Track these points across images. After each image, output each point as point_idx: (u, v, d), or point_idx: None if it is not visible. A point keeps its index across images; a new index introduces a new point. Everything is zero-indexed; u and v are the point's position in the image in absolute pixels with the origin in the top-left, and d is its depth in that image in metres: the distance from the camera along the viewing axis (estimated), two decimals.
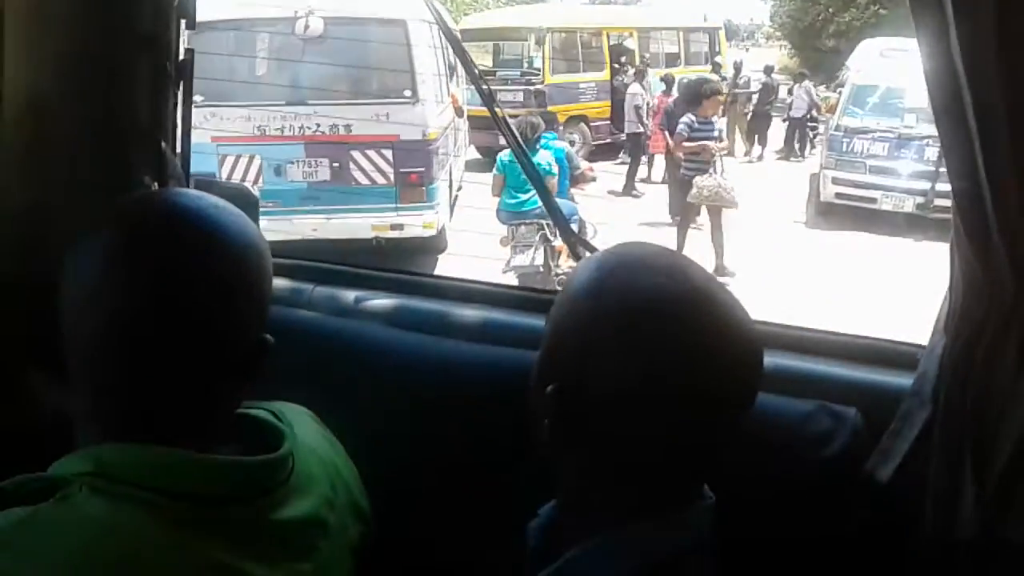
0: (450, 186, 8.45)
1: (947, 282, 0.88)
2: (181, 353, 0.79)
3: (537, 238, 6.16)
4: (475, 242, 6.83)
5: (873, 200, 8.99)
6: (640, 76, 12.29)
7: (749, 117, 14.54)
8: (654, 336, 0.75)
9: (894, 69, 9.66)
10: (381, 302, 1.47)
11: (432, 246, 7.55)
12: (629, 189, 11.46)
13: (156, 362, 0.78)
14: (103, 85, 1.15)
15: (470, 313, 1.42)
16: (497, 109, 1.73)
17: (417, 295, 1.51)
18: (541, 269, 6.17)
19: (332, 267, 1.62)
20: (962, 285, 0.83)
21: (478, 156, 12.02)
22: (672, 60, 15.64)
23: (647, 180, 11.88)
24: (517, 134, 1.73)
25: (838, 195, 9.49)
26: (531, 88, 12.82)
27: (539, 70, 13.21)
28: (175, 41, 1.22)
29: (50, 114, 1.12)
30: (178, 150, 1.30)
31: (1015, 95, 0.67)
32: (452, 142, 8.91)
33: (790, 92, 14.63)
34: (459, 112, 9.36)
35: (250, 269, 0.83)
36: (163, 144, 1.22)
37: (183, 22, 1.22)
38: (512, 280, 5.76)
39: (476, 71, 1.90)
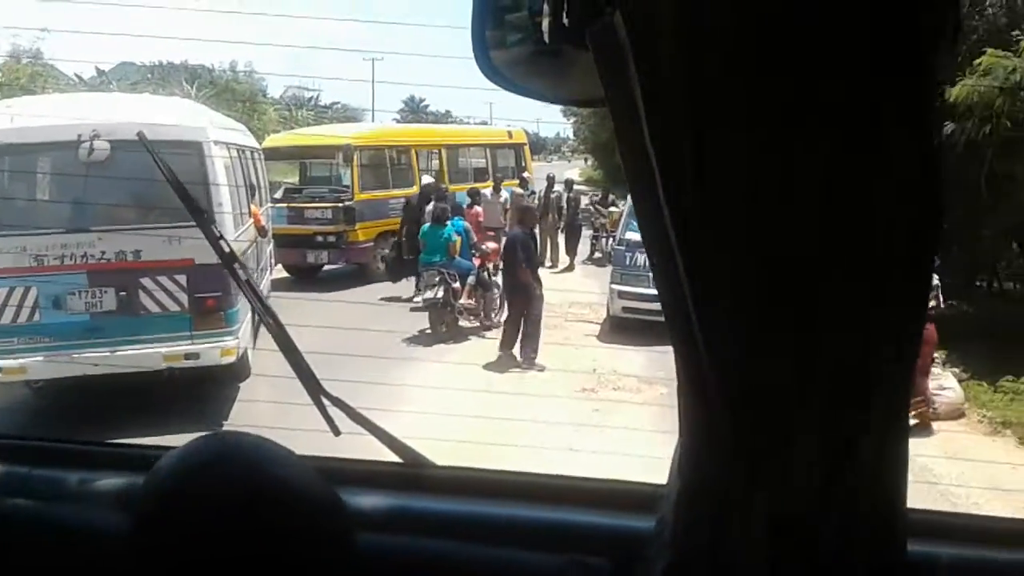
0: (253, 308, 8.11)
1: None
2: None
3: (437, 280, 9.33)
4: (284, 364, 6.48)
5: (659, 312, 9.17)
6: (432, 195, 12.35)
7: (561, 228, 15.16)
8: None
9: None
10: (111, 482, 1.31)
11: (233, 374, 7.17)
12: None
13: None
14: None
15: None
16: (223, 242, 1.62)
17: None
18: (440, 301, 9.29)
19: (52, 445, 1.46)
20: (684, 422, 0.79)
21: (286, 275, 11.73)
22: (480, 175, 16.15)
23: None
24: (258, 292, 1.65)
25: (625, 309, 9.41)
26: (340, 205, 12.82)
27: (348, 187, 13.22)
28: None
29: None
30: None
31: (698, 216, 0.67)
32: (255, 262, 8.64)
33: (596, 202, 15.43)
34: (262, 232, 9.14)
35: None
36: None
37: None
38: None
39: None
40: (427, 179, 12.79)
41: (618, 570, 1.05)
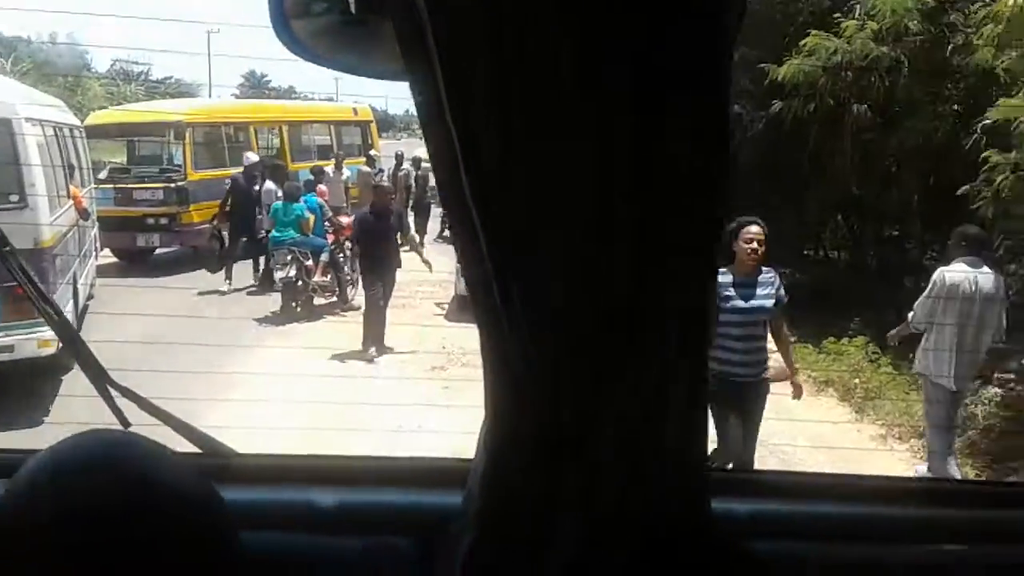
0: (75, 296, 7.57)
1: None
2: None
3: (290, 258, 9.17)
4: (118, 351, 6.18)
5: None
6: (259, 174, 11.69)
7: (411, 207, 14.93)
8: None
9: None
10: None
11: (52, 366, 6.63)
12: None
13: None
14: None
15: None
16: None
17: None
18: (296, 281, 9.21)
19: None
20: (489, 398, 0.80)
21: (115, 260, 11.02)
22: (324, 152, 15.70)
23: None
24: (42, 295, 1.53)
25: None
26: (172, 185, 12.15)
27: (180, 166, 12.54)
28: None
29: None
30: None
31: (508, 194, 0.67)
32: (77, 247, 8.04)
33: None
34: (84, 214, 8.52)
35: None
36: None
37: None
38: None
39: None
40: (251, 156, 11.75)
41: (422, 549, 1.03)
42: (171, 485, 0.77)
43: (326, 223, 9.81)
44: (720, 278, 4.22)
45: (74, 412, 5.67)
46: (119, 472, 0.76)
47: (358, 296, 9.27)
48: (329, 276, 9.55)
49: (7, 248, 1.52)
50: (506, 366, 0.75)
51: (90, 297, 8.34)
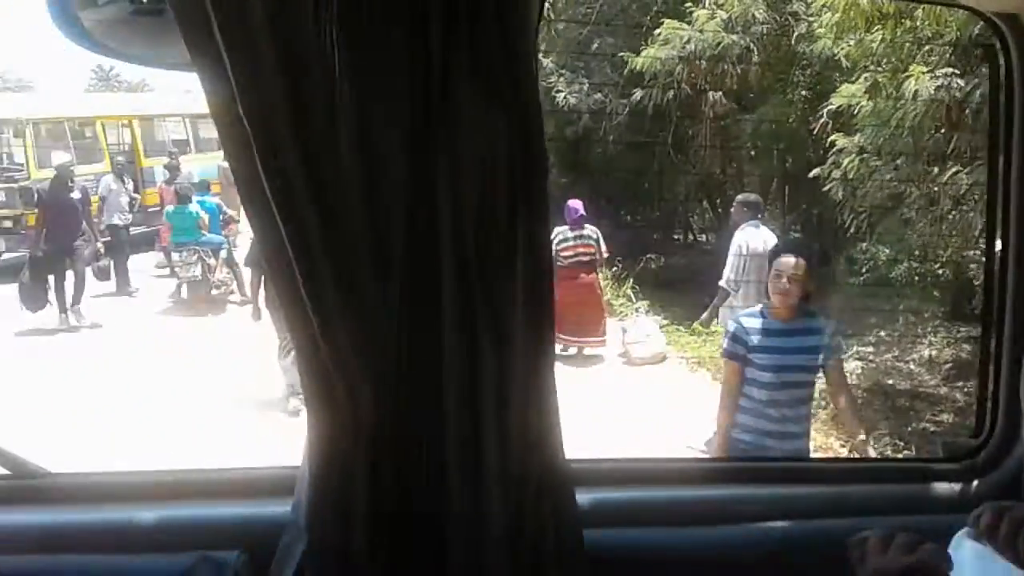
0: None
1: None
2: None
3: (195, 259, 9.44)
4: None
5: None
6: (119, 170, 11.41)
7: None
8: None
9: None
10: None
11: None
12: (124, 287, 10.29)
13: None
14: None
15: None
16: None
17: None
18: (200, 277, 9.46)
19: None
20: (309, 404, 0.78)
21: None
22: (182, 147, 15.00)
23: None
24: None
25: None
26: (15, 185, 11.37)
27: (23, 165, 11.72)
28: None
29: None
30: None
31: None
32: None
33: None
34: None
35: None
36: None
37: None
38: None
39: None
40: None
41: (252, 561, 1.02)
42: None
43: (221, 219, 10.02)
44: (748, 321, 3.59)
45: None
46: None
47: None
48: (226, 272, 9.80)
49: None
50: (321, 368, 0.73)
51: None
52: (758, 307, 3.69)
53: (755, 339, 3.53)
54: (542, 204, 0.68)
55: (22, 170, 11.72)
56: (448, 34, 0.61)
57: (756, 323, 3.58)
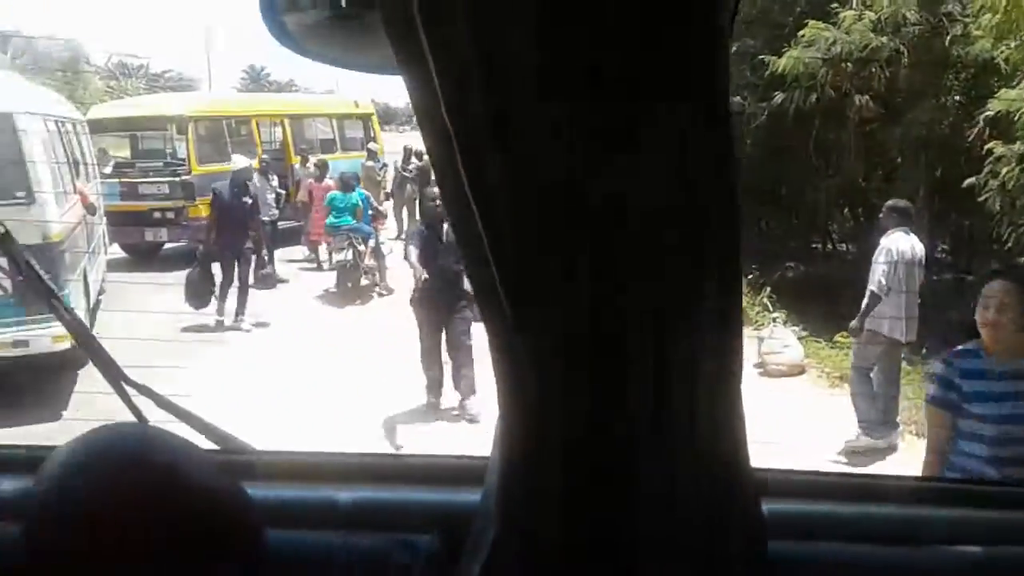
0: (86, 291, 7.61)
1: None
2: None
3: (346, 244, 10.11)
4: (128, 349, 6.17)
5: None
6: (264, 168, 11.80)
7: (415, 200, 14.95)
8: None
9: None
10: None
11: (68, 361, 6.68)
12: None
13: None
14: None
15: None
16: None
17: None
18: (351, 262, 10.10)
19: None
20: (502, 394, 0.79)
21: (123, 255, 11.05)
22: (328, 146, 15.70)
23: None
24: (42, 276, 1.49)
25: None
26: (177, 179, 12.17)
27: (184, 160, 12.55)
28: None
29: None
30: None
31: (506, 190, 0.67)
32: (85, 242, 8.07)
33: None
34: (91, 209, 8.54)
35: None
36: None
37: None
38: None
39: None
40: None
41: (445, 546, 1.04)
42: (198, 481, 0.78)
43: (370, 212, 10.83)
44: (961, 361, 2.99)
45: (93, 407, 5.76)
46: (148, 467, 0.77)
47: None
48: (372, 261, 10.50)
49: (13, 244, 1.51)
50: (514, 366, 0.73)
51: (101, 292, 8.39)
52: (971, 343, 3.04)
53: (970, 383, 2.92)
54: (734, 206, 0.67)
55: (184, 164, 12.46)
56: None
57: (971, 363, 2.95)
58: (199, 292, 8.49)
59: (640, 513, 0.73)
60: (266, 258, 9.66)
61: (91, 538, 0.71)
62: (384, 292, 10.36)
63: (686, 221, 0.67)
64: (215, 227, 8.91)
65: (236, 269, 8.80)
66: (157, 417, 1.23)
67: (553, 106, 0.62)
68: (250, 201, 9.15)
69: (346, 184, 10.82)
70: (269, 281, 9.51)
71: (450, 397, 6.26)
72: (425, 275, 6.05)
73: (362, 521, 1.09)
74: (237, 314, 8.76)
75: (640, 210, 0.65)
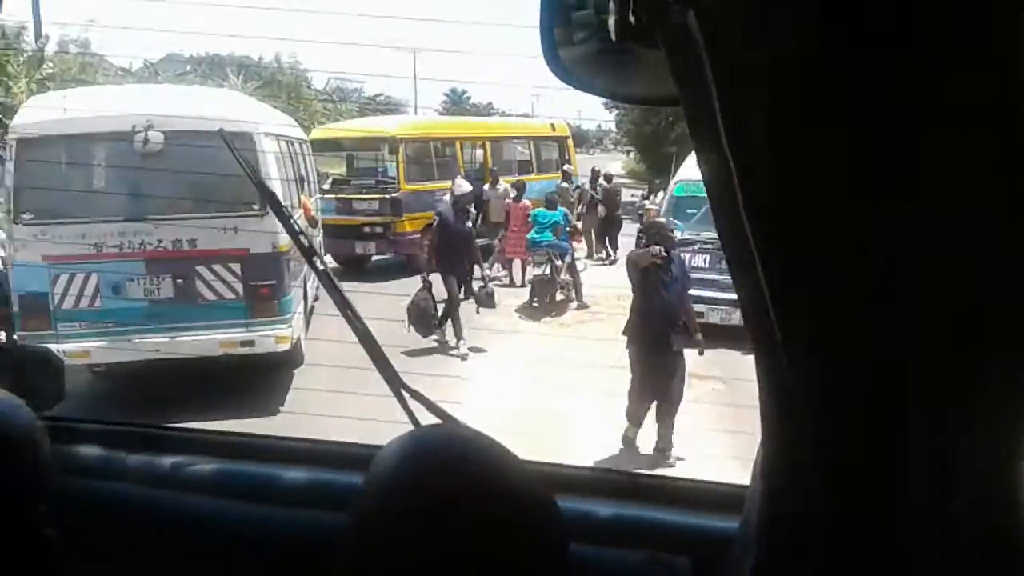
0: (305, 297, 8.25)
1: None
2: None
3: (545, 259, 10.56)
4: (336, 351, 6.59)
5: (700, 314, 7.66)
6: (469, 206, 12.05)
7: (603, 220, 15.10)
8: (433, 535, 0.72)
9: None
10: (202, 468, 1.36)
11: (287, 361, 7.28)
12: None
13: None
14: None
15: (296, 475, 1.34)
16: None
17: (239, 458, 1.41)
18: (547, 277, 10.52)
19: (147, 431, 1.51)
20: (765, 423, 0.78)
21: (335, 265, 11.86)
22: (525, 167, 16.17)
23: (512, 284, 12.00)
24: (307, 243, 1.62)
25: None
26: (387, 196, 12.94)
27: (394, 178, 13.35)
28: None
29: None
30: None
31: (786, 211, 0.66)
32: None
33: (643, 196, 15.30)
34: (312, 222, 9.25)
35: (21, 467, 0.76)
36: None
37: None
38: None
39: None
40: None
41: (700, 569, 1.05)
42: (519, 488, 0.79)
43: (568, 229, 11.47)
44: None
45: (306, 404, 6.25)
46: (476, 469, 0.78)
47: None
48: (568, 276, 10.96)
49: (319, 262, 1.64)
50: (783, 391, 0.71)
51: (316, 299, 9.07)
52: None
53: None
54: None
55: (393, 183, 13.24)
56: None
57: None
58: (424, 319, 8.21)
59: (910, 545, 0.70)
60: (487, 277, 9.11)
61: (417, 534, 0.73)
62: (578, 304, 10.88)
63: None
64: (438, 251, 8.53)
65: (458, 292, 8.70)
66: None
67: (837, 131, 0.60)
68: (471, 225, 8.93)
69: (550, 203, 11.60)
70: (489, 301, 8.99)
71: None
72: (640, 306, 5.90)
73: (618, 535, 1.11)
74: (458, 337, 8.63)
75: (921, 239, 0.61)
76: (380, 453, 0.80)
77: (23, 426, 0.78)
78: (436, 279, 8.56)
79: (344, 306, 1.51)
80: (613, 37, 0.72)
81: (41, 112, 6.94)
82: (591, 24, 0.78)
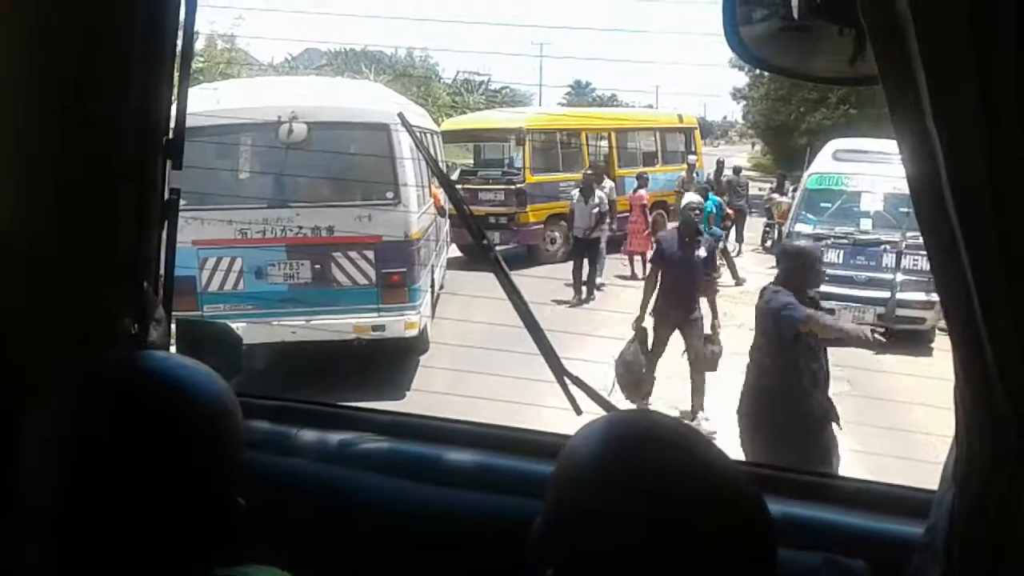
0: (432, 286, 8.46)
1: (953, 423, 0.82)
2: (144, 520, 0.76)
3: None
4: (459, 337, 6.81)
5: (831, 312, 6.67)
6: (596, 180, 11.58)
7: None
8: (659, 517, 0.72)
9: (848, 171, 9.33)
10: (370, 446, 1.41)
11: (414, 347, 7.51)
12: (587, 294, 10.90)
13: (117, 528, 0.75)
14: (84, 220, 1.12)
15: (465, 457, 1.37)
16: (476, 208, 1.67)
17: (407, 437, 1.45)
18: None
19: (316, 408, 1.56)
20: (964, 428, 0.76)
21: (459, 255, 12.10)
22: (650, 159, 16.00)
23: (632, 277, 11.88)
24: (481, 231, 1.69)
25: None
26: (512, 187, 13.07)
27: (520, 169, 13.47)
28: (161, 179, 1.20)
29: (29, 246, 1.08)
30: (160, 291, 1.27)
31: (1001, 196, 0.63)
32: (434, 242, 8.97)
33: (772, 189, 14.93)
34: (441, 212, 9.46)
35: (217, 433, 0.81)
36: (145, 284, 1.19)
37: (169, 162, 1.21)
38: None
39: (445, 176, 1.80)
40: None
41: (878, 572, 1.03)
42: (733, 469, 0.77)
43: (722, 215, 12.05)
44: None
45: (431, 385, 6.44)
46: (694, 452, 0.77)
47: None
48: (721, 260, 11.07)
49: (491, 250, 1.67)
50: (985, 399, 0.69)
51: (441, 287, 9.27)
52: None
53: None
54: None
55: (519, 174, 13.35)
56: None
57: None
58: (638, 382, 5.90)
59: None
60: (716, 327, 6.55)
61: (644, 517, 0.72)
62: (735, 281, 11.51)
63: None
64: (655, 288, 6.43)
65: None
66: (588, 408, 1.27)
67: None
68: (704, 254, 6.49)
69: (702, 192, 11.40)
70: (711, 364, 6.44)
71: None
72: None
73: (790, 535, 1.07)
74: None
75: None
76: (580, 438, 0.78)
77: (221, 392, 0.83)
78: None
79: (512, 292, 1.51)
80: (795, 15, 0.73)
81: (192, 103, 7.30)
82: (772, 1, 0.79)
